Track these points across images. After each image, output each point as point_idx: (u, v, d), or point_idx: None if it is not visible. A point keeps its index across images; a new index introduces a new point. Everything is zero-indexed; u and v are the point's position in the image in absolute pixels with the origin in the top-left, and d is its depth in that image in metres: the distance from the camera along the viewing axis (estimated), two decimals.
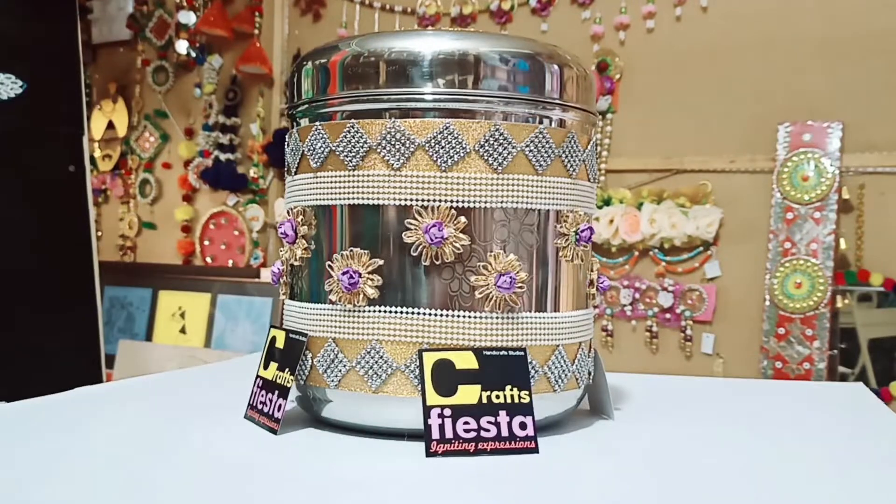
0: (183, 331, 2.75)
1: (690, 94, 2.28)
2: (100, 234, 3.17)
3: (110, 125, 3.13)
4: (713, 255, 2.26)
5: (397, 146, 0.76)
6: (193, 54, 2.87)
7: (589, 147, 0.83)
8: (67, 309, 2.06)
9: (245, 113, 2.92)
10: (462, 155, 0.75)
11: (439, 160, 0.75)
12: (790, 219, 2.15)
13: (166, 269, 2.91)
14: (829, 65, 2.13)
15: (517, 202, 0.75)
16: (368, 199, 0.76)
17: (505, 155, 0.75)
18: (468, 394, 0.71)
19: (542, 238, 0.77)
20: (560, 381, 0.77)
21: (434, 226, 0.74)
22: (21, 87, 1.96)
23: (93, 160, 3.16)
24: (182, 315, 2.77)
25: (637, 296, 2.35)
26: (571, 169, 0.78)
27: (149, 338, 2.81)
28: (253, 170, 2.86)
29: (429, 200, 0.75)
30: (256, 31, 2.86)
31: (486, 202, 0.75)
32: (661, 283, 2.31)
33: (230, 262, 2.86)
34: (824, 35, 2.13)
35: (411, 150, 0.75)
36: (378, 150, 0.76)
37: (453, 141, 0.75)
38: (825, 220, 2.10)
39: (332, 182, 0.79)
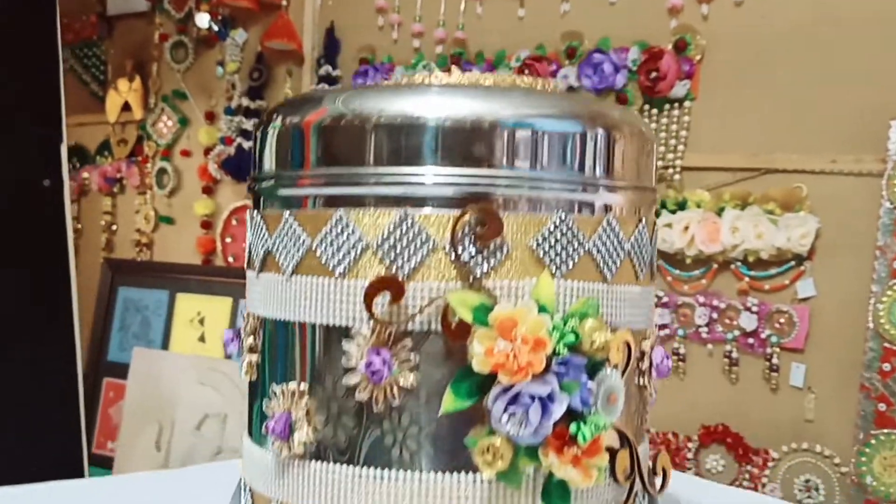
0: (202, 339, 2.57)
1: (785, 80, 2.02)
2: (115, 227, 3.02)
3: (126, 107, 2.95)
4: (807, 272, 2.00)
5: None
6: (215, 28, 2.68)
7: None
8: (41, 358, 1.82)
9: (271, 95, 2.72)
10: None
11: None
12: None
13: (184, 269, 2.72)
14: None
15: None
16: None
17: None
18: None
19: None
20: None
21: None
22: None
23: (108, 146, 3.01)
24: (201, 321, 2.60)
25: (715, 315, 2.10)
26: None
27: (165, 346, 2.63)
28: None
29: None
30: (284, 3, 2.65)
31: None
32: (743, 302, 2.06)
33: None
34: None
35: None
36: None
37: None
38: None
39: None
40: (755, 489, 1.97)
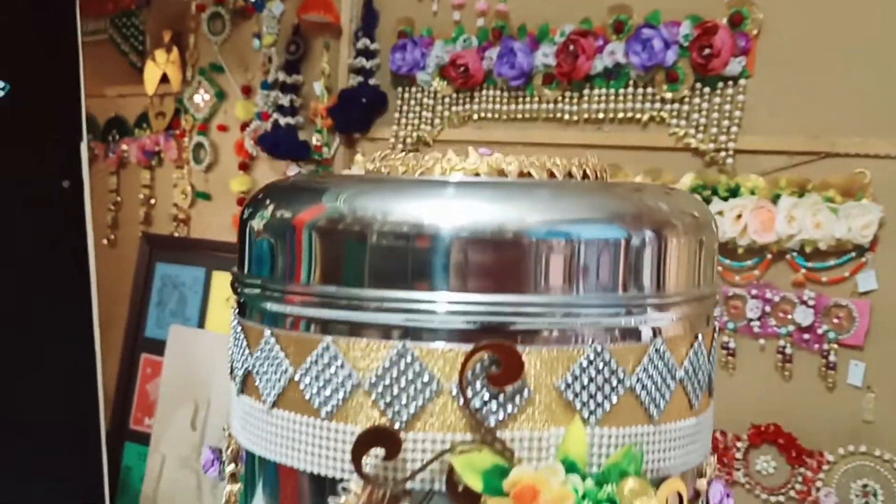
0: None
1: (848, 57, 1.91)
2: (153, 201, 3.00)
3: (164, 79, 2.91)
4: (868, 264, 1.90)
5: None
6: None
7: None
8: (60, 353, 1.80)
9: (308, 69, 2.65)
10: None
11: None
12: None
13: (220, 247, 2.68)
14: None
15: None
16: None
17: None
18: None
19: None
20: None
21: None
22: (2, 88, 1.68)
23: (146, 118, 2.98)
24: None
25: (768, 309, 2.00)
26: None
27: (201, 324, 2.62)
28: (316, 136, 2.59)
29: None
30: None
31: None
32: (799, 295, 1.96)
33: None
34: None
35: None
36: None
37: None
38: None
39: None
40: (808, 493, 1.90)
